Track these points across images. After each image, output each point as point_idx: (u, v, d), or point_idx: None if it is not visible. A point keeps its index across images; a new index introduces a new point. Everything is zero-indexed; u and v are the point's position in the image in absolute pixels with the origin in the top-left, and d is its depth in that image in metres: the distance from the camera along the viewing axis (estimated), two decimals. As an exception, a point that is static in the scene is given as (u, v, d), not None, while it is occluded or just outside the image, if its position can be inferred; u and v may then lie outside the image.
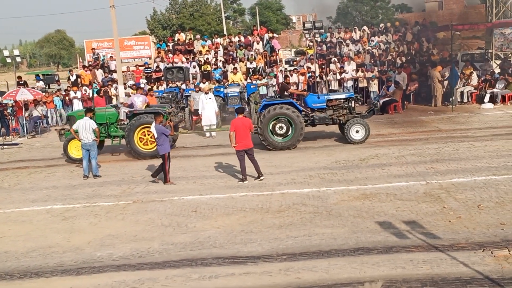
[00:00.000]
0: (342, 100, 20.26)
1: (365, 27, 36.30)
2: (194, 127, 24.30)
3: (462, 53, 33.94)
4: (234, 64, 31.44)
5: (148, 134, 18.84)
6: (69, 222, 12.75)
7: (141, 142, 19.46)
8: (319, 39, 34.06)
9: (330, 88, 29.48)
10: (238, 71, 30.49)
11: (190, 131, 23.46)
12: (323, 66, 30.91)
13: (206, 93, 23.08)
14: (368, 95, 29.15)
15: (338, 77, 29.84)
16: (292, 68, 34.04)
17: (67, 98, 30.62)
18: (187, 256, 10.10)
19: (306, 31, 34.89)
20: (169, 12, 65.65)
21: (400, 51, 31.40)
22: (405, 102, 27.45)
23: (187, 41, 36.23)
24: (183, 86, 28.99)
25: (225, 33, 49.44)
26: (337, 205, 12.45)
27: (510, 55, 30.99)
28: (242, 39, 35.79)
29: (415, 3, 72.36)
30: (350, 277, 8.65)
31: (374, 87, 29.13)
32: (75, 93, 30.50)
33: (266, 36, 35.00)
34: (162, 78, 30.55)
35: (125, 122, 20.20)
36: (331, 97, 20.62)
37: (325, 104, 20.05)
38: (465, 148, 17.40)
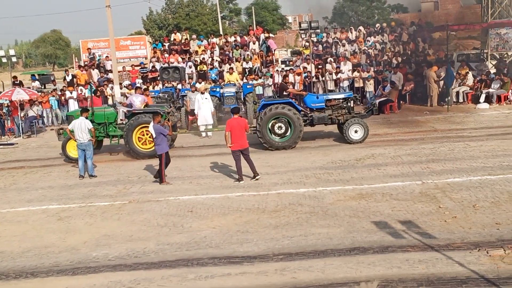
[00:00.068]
0: (341, 100, 20.28)
1: (361, 27, 36.34)
2: (190, 127, 24.29)
3: (457, 53, 33.97)
4: (230, 64, 31.44)
5: (147, 134, 18.81)
6: (65, 222, 12.73)
7: (139, 141, 19.45)
8: (315, 39, 34.12)
9: (326, 88, 29.50)
10: (234, 71, 30.48)
11: (188, 131, 23.44)
12: (319, 66, 30.91)
13: (202, 93, 23.08)
14: (364, 95, 29.16)
15: (334, 77, 29.85)
16: (288, 68, 33.99)
17: (62, 98, 30.55)
18: (183, 256, 10.10)
19: (302, 31, 34.93)
20: (165, 12, 65.60)
21: (396, 51, 31.44)
22: (401, 102, 27.48)
23: (183, 41, 36.21)
24: (179, 86, 28.96)
25: (221, 33, 49.43)
26: (333, 205, 12.46)
27: (505, 55, 31.04)
28: (238, 39, 35.79)
29: (411, 3, 72.47)
30: (346, 276, 8.66)
31: (370, 87, 29.14)
32: (71, 93, 30.44)
33: (262, 36, 35.01)
34: (158, 78, 30.53)
35: (124, 122, 20.19)
36: (330, 97, 20.64)
37: (324, 104, 20.07)
38: (461, 148, 17.43)
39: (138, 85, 30.46)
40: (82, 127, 16.83)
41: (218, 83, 28.76)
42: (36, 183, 17.01)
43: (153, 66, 32.84)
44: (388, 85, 26.97)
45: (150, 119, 16.70)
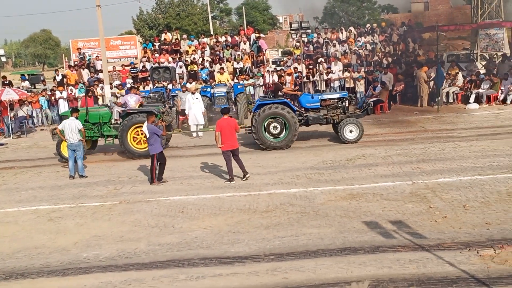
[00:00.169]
0: (336, 100, 20.32)
1: (351, 28, 36.44)
2: (181, 127, 24.25)
3: (447, 53, 34.13)
4: (221, 64, 31.41)
5: (142, 134, 18.76)
6: (55, 222, 12.68)
7: (134, 141, 19.41)
8: (306, 40, 34.15)
9: (317, 88, 29.56)
10: (225, 71, 30.47)
11: (183, 131, 23.40)
12: (310, 67, 30.95)
13: (193, 93, 23.06)
14: (354, 96, 29.19)
15: (325, 77, 29.90)
16: (279, 68, 34.03)
17: (52, 98, 30.42)
18: (174, 256, 10.08)
19: (293, 31, 34.95)
20: (155, 11, 65.41)
21: (387, 51, 31.55)
22: (391, 103, 27.56)
23: (173, 41, 36.14)
24: (170, 86, 28.90)
25: (212, 33, 49.39)
26: (324, 205, 12.48)
27: (495, 56, 31.20)
28: (229, 39, 35.77)
29: (401, 4, 72.74)
30: (337, 277, 8.68)
31: (360, 87, 29.22)
32: (61, 93, 30.30)
33: (253, 36, 35.00)
34: (149, 78, 30.45)
35: (118, 122, 20.15)
36: (325, 96, 20.67)
37: (319, 104, 20.10)
38: (451, 148, 17.51)
39: (128, 85, 30.45)
40: (72, 127, 16.76)
41: (209, 83, 28.72)
42: (26, 183, 16.93)
43: (144, 66, 32.78)
44: (379, 85, 27.05)
45: (145, 119, 16.66)
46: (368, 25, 37.29)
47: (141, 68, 33.03)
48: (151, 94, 25.67)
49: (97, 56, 35.00)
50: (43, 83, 37.46)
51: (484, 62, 30.96)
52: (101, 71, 32.31)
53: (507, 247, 9.28)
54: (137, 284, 9.00)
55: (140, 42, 41.60)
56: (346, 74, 29.77)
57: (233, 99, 26.10)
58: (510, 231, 10.07)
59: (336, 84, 29.76)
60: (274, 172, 15.92)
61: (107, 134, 20.14)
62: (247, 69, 31.94)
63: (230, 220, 11.92)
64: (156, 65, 31.78)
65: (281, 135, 19.19)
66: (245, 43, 34.25)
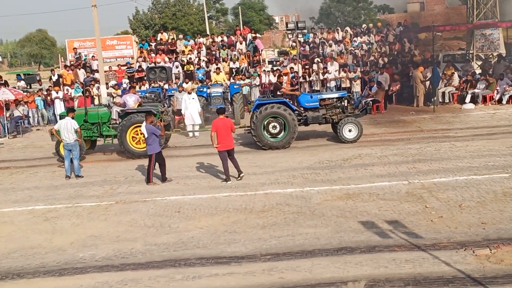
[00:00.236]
0: (335, 100, 20.35)
1: (347, 28, 36.43)
2: (177, 127, 24.24)
3: (443, 54, 34.20)
4: (217, 64, 31.38)
5: (141, 133, 18.74)
6: (51, 222, 12.66)
7: (133, 141, 19.40)
8: (302, 40, 34.16)
9: (313, 88, 29.56)
10: (221, 71, 30.43)
11: (182, 130, 23.38)
12: (306, 67, 30.96)
13: (189, 93, 23.06)
14: (353, 95, 29.21)
15: (321, 77, 29.91)
16: (275, 68, 33.99)
17: (48, 98, 30.35)
18: (170, 256, 10.08)
19: (289, 32, 35.01)
20: (151, 11, 65.33)
21: (383, 51, 31.56)
22: (387, 103, 27.59)
23: (169, 40, 36.09)
24: (166, 86, 28.88)
25: (208, 33, 49.35)
26: (320, 205, 12.49)
27: (490, 56, 31.27)
28: (225, 39, 35.74)
29: (397, 4, 72.85)
30: (334, 276, 8.69)
31: (356, 87, 29.21)
32: (57, 93, 30.23)
33: (249, 36, 34.99)
34: (145, 78, 30.41)
35: (117, 122, 20.13)
36: (324, 96, 20.68)
37: (318, 103, 20.12)
38: (447, 148, 17.54)
39: (125, 85, 30.41)
40: (68, 127, 16.75)
41: (205, 83, 28.71)
42: (22, 183, 16.90)
43: (140, 66, 32.72)
44: (375, 85, 27.07)
45: (144, 119, 16.61)
46: (364, 25, 37.28)
47: (137, 68, 32.97)
48: (147, 94, 25.64)
49: (93, 56, 34.94)
50: (39, 83, 37.52)
51: (480, 62, 31.04)
52: (97, 71, 32.25)
53: (503, 246, 9.31)
54: (133, 284, 8.99)
55: (136, 42, 41.57)
56: (342, 74, 29.77)
57: (229, 99, 26.11)
58: (506, 230, 10.10)
59: (332, 84, 29.76)
60: (270, 172, 15.92)
61: (106, 134, 20.12)
62: (243, 69, 31.91)
63: (226, 220, 11.92)
64: (152, 65, 31.72)
65: (280, 135, 19.21)
66: (241, 43, 34.22)
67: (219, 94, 25.58)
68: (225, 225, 11.58)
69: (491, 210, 11.28)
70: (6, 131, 26.99)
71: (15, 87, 33.41)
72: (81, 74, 32.94)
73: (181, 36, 38.25)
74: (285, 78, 29.07)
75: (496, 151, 16.47)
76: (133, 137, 19.37)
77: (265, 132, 19.15)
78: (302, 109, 20.25)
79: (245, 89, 29.45)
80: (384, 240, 10.05)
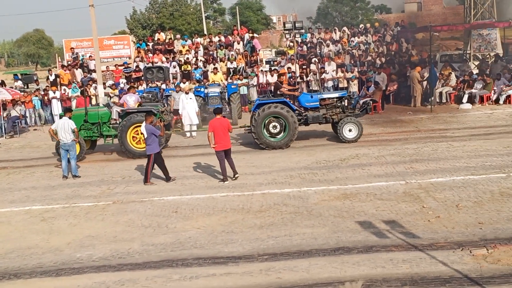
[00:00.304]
0: (335, 99, 20.36)
1: (345, 28, 36.49)
2: (174, 127, 24.22)
3: (440, 54, 34.23)
4: (214, 64, 31.39)
5: (141, 133, 18.74)
6: (48, 223, 12.64)
7: (134, 141, 19.38)
8: (299, 40, 34.16)
9: (310, 88, 29.57)
10: (218, 71, 30.44)
11: (181, 130, 23.36)
12: (304, 67, 30.97)
13: (187, 93, 23.05)
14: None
15: (319, 77, 29.91)
16: (273, 68, 34.00)
17: (45, 98, 30.31)
18: (168, 256, 10.08)
19: (287, 31, 34.94)
20: (149, 11, 65.28)
21: (380, 51, 31.60)
22: (384, 103, 27.60)
23: (167, 40, 36.09)
24: (163, 86, 28.87)
25: (206, 33, 49.33)
26: (317, 205, 12.50)
27: (487, 56, 31.31)
28: (223, 39, 35.74)
29: (394, 4, 72.95)
30: (331, 276, 8.69)
31: (354, 87, 29.25)
32: (54, 93, 30.19)
33: (247, 36, 34.99)
34: (142, 78, 30.39)
35: (118, 122, 20.11)
36: (325, 96, 20.69)
37: (318, 103, 20.13)
38: (444, 148, 17.56)
39: (122, 85, 30.38)
40: (65, 128, 16.72)
41: (202, 83, 28.69)
42: (19, 183, 16.88)
43: (137, 66, 32.72)
44: (372, 85, 27.09)
45: (144, 119, 16.57)
46: (361, 25, 37.35)
47: (134, 68, 32.97)
48: (144, 94, 25.61)
49: (90, 56, 34.91)
50: (36, 83, 37.32)
51: (477, 62, 31.08)
52: (94, 71, 32.22)
53: (500, 246, 9.32)
54: (130, 284, 8.99)
55: (134, 42, 41.53)
56: (340, 74, 29.79)
57: (226, 99, 26.10)
58: (503, 230, 10.11)
59: (330, 84, 29.78)
60: (267, 172, 15.92)
61: (106, 134, 20.10)
62: (241, 69, 31.92)
63: (223, 220, 11.92)
64: (150, 65, 31.72)
65: (281, 135, 19.22)
66: (238, 43, 34.24)
67: (217, 94, 25.58)
68: (223, 225, 11.58)
69: (488, 210, 11.30)
70: (3, 131, 26.91)
71: (12, 87, 33.32)
72: (79, 74, 32.94)
73: (178, 36, 38.27)
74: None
75: (493, 151, 16.50)
76: (133, 137, 19.36)
77: (265, 132, 19.15)
78: (302, 109, 20.25)
79: (243, 89, 29.46)
80: (381, 240, 10.06)
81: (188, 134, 23.00)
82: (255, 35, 36.38)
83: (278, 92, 20.41)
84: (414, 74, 26.91)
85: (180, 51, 34.65)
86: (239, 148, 19.83)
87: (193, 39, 36.54)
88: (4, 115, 27.30)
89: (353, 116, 19.89)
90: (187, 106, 22.47)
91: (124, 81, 31.37)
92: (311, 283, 8.52)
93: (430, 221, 10.87)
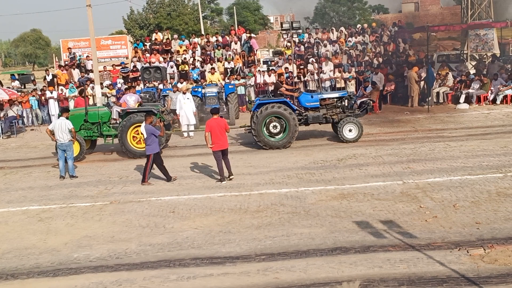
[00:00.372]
0: (335, 99, 20.38)
1: (342, 28, 36.48)
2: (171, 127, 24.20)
3: (438, 54, 34.28)
4: (212, 64, 31.37)
5: (141, 133, 18.73)
6: (46, 223, 12.63)
7: (134, 141, 19.36)
8: (296, 40, 34.17)
9: (307, 88, 29.58)
10: (216, 71, 30.43)
11: (180, 130, 23.36)
12: (301, 67, 30.98)
13: (184, 93, 23.05)
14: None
15: (316, 77, 29.93)
16: (270, 68, 34.01)
17: (43, 98, 30.26)
18: (165, 257, 10.07)
19: (284, 32, 34.99)
20: (146, 11, 65.25)
21: (377, 52, 31.62)
22: (382, 103, 27.62)
23: (164, 40, 36.07)
24: (161, 86, 28.86)
25: (203, 33, 49.32)
26: (315, 205, 12.50)
27: (484, 56, 31.36)
28: (220, 39, 35.72)
29: (392, 4, 73.10)
30: (328, 276, 8.69)
31: (351, 87, 29.25)
32: (51, 93, 30.14)
33: (244, 36, 34.99)
34: (139, 78, 30.37)
35: (118, 121, 20.09)
36: (325, 96, 20.69)
37: (318, 103, 20.14)
38: (441, 148, 17.58)
39: (119, 85, 30.33)
40: (62, 128, 16.71)
41: (200, 83, 28.69)
42: (16, 183, 16.85)
43: (134, 66, 32.68)
44: (369, 85, 27.10)
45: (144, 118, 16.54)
46: (358, 26, 37.36)
47: (131, 68, 32.93)
48: (141, 94, 25.64)
49: (87, 56, 34.90)
50: (33, 83, 37.29)
51: (474, 63, 31.14)
52: (91, 71, 32.17)
53: (497, 246, 9.33)
54: (128, 285, 8.98)
55: (131, 42, 41.56)
56: (337, 74, 29.80)
57: (224, 99, 26.10)
58: (500, 230, 10.13)
59: (327, 84, 29.80)
60: (265, 172, 15.92)
61: (107, 134, 20.08)
62: (238, 69, 31.92)
63: (221, 220, 11.92)
64: (147, 65, 31.67)
65: (281, 135, 19.22)
66: (236, 43, 34.23)
67: (214, 94, 25.59)
68: (220, 225, 11.58)
69: (485, 210, 11.31)
70: (0, 131, 26.88)
71: (9, 87, 33.28)
72: (76, 74, 32.91)
73: (175, 36, 38.24)
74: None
75: (490, 151, 16.52)
76: (133, 136, 19.34)
77: (265, 131, 19.15)
78: (302, 108, 20.26)
79: (240, 89, 29.46)
80: (378, 240, 10.06)
81: (185, 134, 22.99)
82: (252, 35, 36.37)
83: (278, 92, 20.43)
84: (412, 74, 26.94)
85: (178, 51, 34.64)
86: (237, 148, 19.83)
87: (191, 39, 36.52)
88: (1, 115, 27.25)
89: (354, 116, 19.90)
90: (185, 106, 22.47)
91: (122, 81, 31.33)
92: (308, 283, 8.52)
93: (427, 221, 10.89)
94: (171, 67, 32.31)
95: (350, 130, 19.51)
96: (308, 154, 18.01)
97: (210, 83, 28.67)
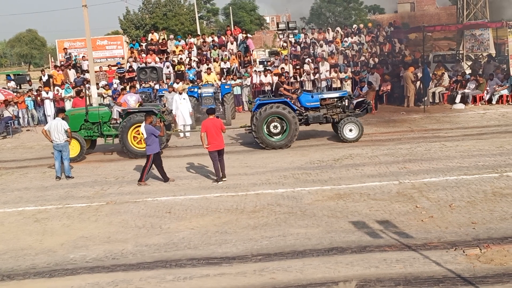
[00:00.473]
0: (335, 99, 20.40)
1: (338, 28, 36.53)
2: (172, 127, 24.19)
3: (433, 54, 34.33)
4: (208, 64, 31.38)
5: (142, 133, 18.70)
6: (42, 224, 12.60)
7: (135, 141, 19.34)
8: (293, 40, 34.19)
9: (304, 88, 29.60)
10: (212, 71, 30.44)
11: (176, 130, 23.35)
12: (297, 67, 31.00)
13: (180, 93, 23.03)
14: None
15: (312, 77, 29.96)
16: (267, 68, 34.03)
17: (38, 98, 30.22)
18: (161, 257, 10.06)
19: (280, 32, 35.01)
20: (142, 11, 65.24)
21: (373, 52, 31.66)
22: (378, 103, 27.65)
23: (160, 41, 36.06)
24: (157, 87, 28.84)
25: (199, 33, 49.31)
26: (311, 205, 12.50)
27: (480, 56, 31.41)
28: (216, 39, 35.72)
29: (387, 5, 73.22)
30: (325, 276, 8.70)
31: (347, 87, 29.29)
32: (47, 93, 30.11)
33: (240, 36, 34.99)
34: (135, 78, 30.34)
35: (118, 121, 20.06)
36: (325, 96, 20.71)
37: (319, 103, 20.15)
38: (437, 148, 17.60)
39: (115, 85, 30.29)
40: (58, 128, 16.68)
41: (196, 83, 28.68)
42: (12, 184, 16.81)
43: (130, 66, 32.67)
44: (365, 85, 27.13)
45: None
46: (354, 26, 37.41)
47: (127, 68, 32.92)
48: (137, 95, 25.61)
49: (83, 56, 34.84)
50: (29, 84, 37.17)
51: (469, 63, 31.18)
52: (87, 71, 32.14)
53: (493, 246, 9.35)
54: (124, 285, 8.97)
55: (127, 42, 41.44)
56: (333, 74, 29.83)
57: (220, 99, 26.10)
58: (496, 230, 10.15)
59: (323, 84, 29.82)
60: (261, 173, 15.92)
61: (107, 134, 20.06)
62: (234, 70, 31.92)
63: (217, 221, 11.91)
64: (143, 65, 31.69)
65: (282, 135, 19.23)
66: (232, 43, 34.24)
67: (210, 94, 25.59)
68: (216, 226, 11.57)
69: (481, 210, 11.34)
70: (-4, 132, 26.84)
71: (5, 88, 33.17)
72: (72, 74, 32.87)
73: (171, 36, 38.25)
74: (275, 79, 29.11)
75: (486, 151, 16.56)
76: (134, 137, 19.32)
77: (266, 132, 19.16)
78: (303, 108, 20.27)
79: (236, 89, 29.47)
80: (375, 240, 10.07)
81: (181, 134, 22.98)
82: (248, 35, 36.38)
83: (278, 92, 20.45)
84: (407, 74, 26.97)
85: (174, 52, 34.63)
86: (234, 148, 19.82)
87: (187, 39, 36.52)
88: (-3, 116, 27.21)
89: (354, 115, 19.92)
90: (181, 107, 22.47)
91: (117, 81, 31.32)
92: (305, 283, 8.53)
93: (423, 221, 10.90)
94: (167, 67, 32.29)
95: (350, 130, 19.54)
96: (304, 154, 18.02)
97: (206, 83, 28.68)
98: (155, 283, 8.99)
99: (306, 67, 30.50)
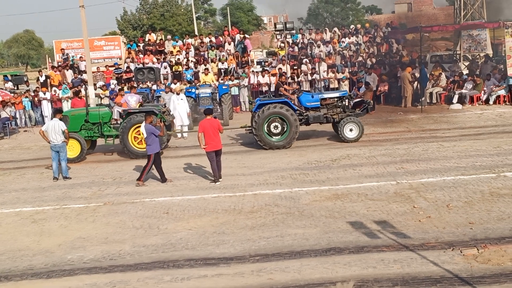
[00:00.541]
0: (336, 99, 20.41)
1: (335, 29, 36.55)
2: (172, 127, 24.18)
3: (431, 54, 34.37)
4: (205, 65, 31.37)
5: (142, 133, 18.69)
6: (39, 224, 12.59)
7: (135, 141, 19.32)
8: (290, 40, 34.21)
9: (302, 89, 29.60)
10: (209, 72, 30.43)
11: (180, 131, 23.34)
12: (295, 67, 31.01)
13: (178, 93, 23.02)
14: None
15: (310, 78, 29.97)
16: (264, 69, 34.04)
17: (36, 99, 30.17)
18: (159, 258, 10.06)
19: (278, 32, 35.04)
20: (139, 12, 65.20)
21: (371, 52, 31.68)
22: (375, 103, 27.66)
23: (157, 41, 36.05)
24: (154, 87, 28.82)
25: (196, 33, 49.29)
26: (309, 205, 12.51)
27: (477, 57, 31.46)
28: (214, 39, 35.72)
29: (385, 5, 73.30)
30: (322, 277, 8.70)
31: (345, 88, 29.29)
32: (44, 94, 30.08)
33: (238, 37, 34.99)
34: (133, 78, 30.30)
35: (119, 122, 20.04)
36: (325, 96, 20.71)
37: (319, 103, 20.16)
38: (434, 148, 17.62)
39: (112, 86, 30.26)
40: (55, 129, 16.66)
41: (193, 83, 28.67)
42: (9, 185, 16.79)
43: (128, 67, 32.63)
44: (363, 86, 27.16)
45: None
46: (352, 26, 37.43)
47: (125, 68, 32.87)
48: (135, 95, 25.58)
49: (80, 57, 34.80)
50: (26, 84, 37.16)
51: (467, 63, 31.23)
52: (85, 71, 32.12)
53: (490, 246, 9.36)
54: (122, 286, 8.97)
55: (124, 43, 41.43)
56: (331, 74, 29.84)
57: (218, 100, 26.09)
58: (493, 230, 10.16)
59: (321, 84, 29.82)
60: (259, 173, 15.92)
61: (107, 134, 20.04)
62: (232, 70, 31.92)
63: (215, 221, 11.91)
64: (141, 65, 31.62)
65: (282, 135, 19.23)
66: (229, 44, 34.23)
67: (208, 94, 25.58)
68: (214, 226, 11.57)
69: (479, 210, 11.35)
70: (-7, 133, 26.79)
71: (2, 88, 33.14)
72: (69, 75, 32.82)
73: (169, 36, 38.22)
74: (273, 79, 29.15)
75: (483, 151, 16.57)
76: (134, 137, 19.30)
77: (266, 132, 19.16)
78: (303, 108, 20.28)
79: (234, 90, 29.46)
80: (372, 241, 10.08)
81: (179, 135, 22.97)
82: (246, 35, 36.37)
83: (279, 92, 20.46)
84: (405, 74, 27.01)
85: (171, 52, 34.62)
86: (231, 148, 19.81)
87: (184, 40, 36.50)
88: (-6, 116, 27.16)
89: (354, 115, 19.93)
90: (178, 107, 22.46)
91: (115, 82, 31.27)
92: (302, 284, 8.53)
93: (421, 221, 10.91)
94: (165, 67, 32.29)
95: (351, 130, 19.55)
96: (302, 155, 18.02)
97: (204, 83, 28.67)
98: (152, 283, 8.98)
99: (303, 67, 30.52)
